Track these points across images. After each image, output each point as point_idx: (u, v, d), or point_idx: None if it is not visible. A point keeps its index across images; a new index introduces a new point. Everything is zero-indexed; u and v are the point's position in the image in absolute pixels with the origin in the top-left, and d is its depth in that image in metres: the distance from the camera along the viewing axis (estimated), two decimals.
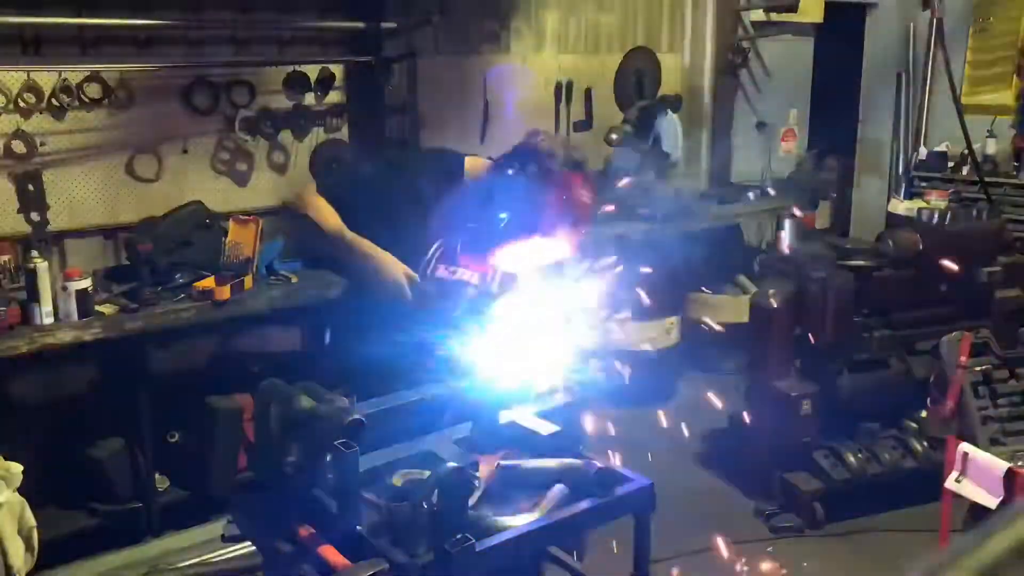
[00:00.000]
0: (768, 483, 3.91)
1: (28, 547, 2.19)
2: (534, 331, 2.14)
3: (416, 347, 2.37)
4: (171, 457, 3.74)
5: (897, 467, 3.83)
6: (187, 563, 2.52)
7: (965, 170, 6.27)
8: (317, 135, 4.35)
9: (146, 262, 3.47)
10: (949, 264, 3.80)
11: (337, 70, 4.33)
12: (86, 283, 3.26)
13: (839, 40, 6.81)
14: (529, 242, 2.38)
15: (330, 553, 1.70)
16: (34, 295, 3.17)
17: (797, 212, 5.68)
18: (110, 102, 3.71)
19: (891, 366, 4.00)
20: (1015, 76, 6.39)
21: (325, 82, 4.28)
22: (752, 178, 6.16)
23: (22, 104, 3.52)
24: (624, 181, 4.81)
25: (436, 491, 1.60)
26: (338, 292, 3.79)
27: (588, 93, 5.39)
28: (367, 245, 2.56)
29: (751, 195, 5.83)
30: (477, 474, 1.84)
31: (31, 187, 3.56)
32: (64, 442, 3.62)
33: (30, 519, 2.22)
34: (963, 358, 3.70)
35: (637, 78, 5.53)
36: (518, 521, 1.78)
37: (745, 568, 2.69)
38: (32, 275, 3.17)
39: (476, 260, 2.52)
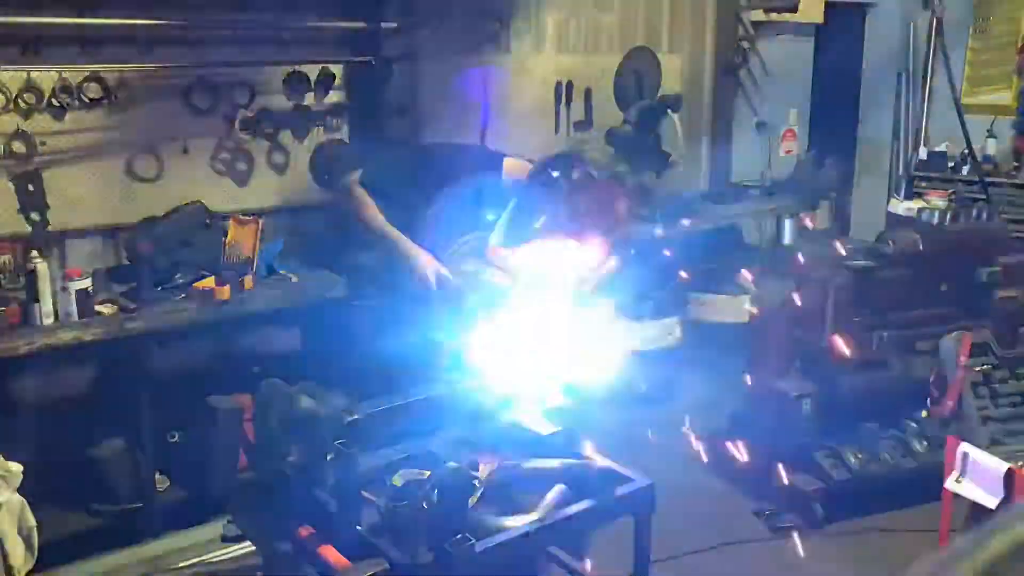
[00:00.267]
0: (768, 483, 3.91)
1: (28, 547, 2.19)
2: (548, 332, 2.15)
3: (431, 344, 2.41)
4: (171, 457, 3.74)
5: (897, 467, 3.83)
6: (187, 563, 2.52)
7: (965, 170, 6.28)
8: (317, 135, 4.35)
9: (146, 262, 3.47)
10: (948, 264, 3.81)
11: (337, 70, 4.33)
12: (86, 283, 3.26)
13: (839, 40, 6.81)
14: (561, 244, 2.40)
15: (330, 553, 1.70)
16: (34, 295, 3.17)
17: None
18: (110, 102, 3.71)
19: (891, 366, 4.00)
20: (1015, 76, 6.39)
21: (325, 82, 4.28)
22: (752, 178, 6.16)
23: (22, 104, 3.51)
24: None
25: (436, 491, 1.60)
26: (342, 291, 3.80)
27: (588, 93, 5.38)
28: (398, 236, 2.64)
29: (751, 195, 5.83)
30: (477, 474, 1.84)
31: (31, 187, 3.56)
32: (64, 442, 3.62)
33: (30, 519, 2.21)
34: (963, 358, 3.70)
35: (637, 78, 5.52)
36: (518, 521, 1.78)
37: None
38: (32, 275, 3.17)
39: (506, 257, 2.55)
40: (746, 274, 5.39)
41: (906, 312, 4.04)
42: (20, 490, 2.21)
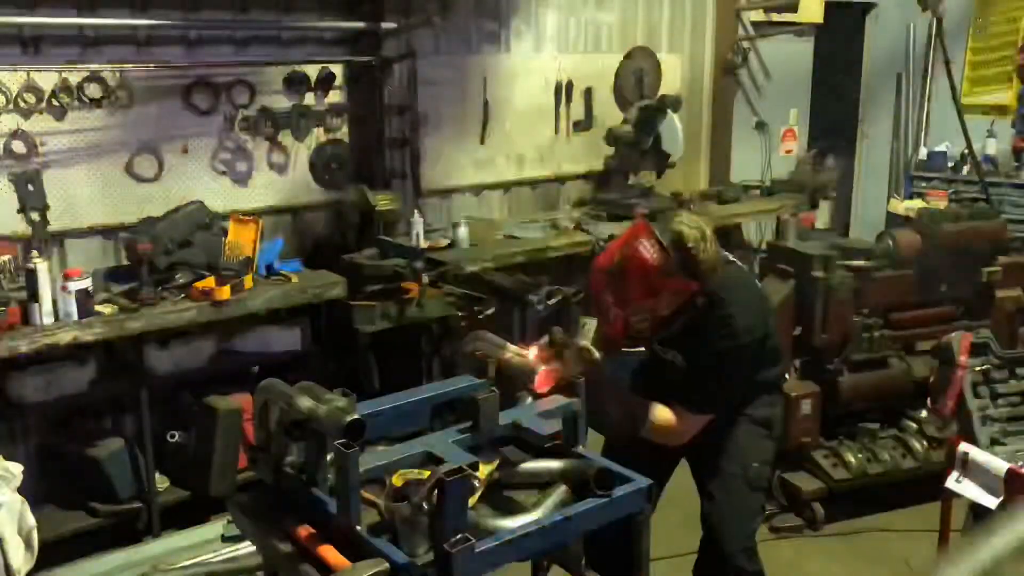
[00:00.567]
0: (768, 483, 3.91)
1: (28, 547, 2.18)
2: None
3: None
4: (171, 457, 3.74)
5: (897, 467, 3.83)
6: (187, 563, 2.52)
7: (965, 170, 6.28)
8: (317, 135, 4.35)
9: (146, 262, 3.47)
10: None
11: (337, 70, 4.33)
12: (86, 283, 3.26)
13: (839, 40, 6.81)
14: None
15: (330, 553, 1.70)
16: (34, 295, 3.17)
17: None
18: (110, 102, 3.71)
19: (891, 366, 4.00)
20: (1015, 76, 6.39)
21: (325, 82, 4.29)
22: (752, 178, 6.16)
23: (22, 104, 3.52)
24: None
25: (436, 491, 1.60)
26: (342, 291, 3.80)
27: (588, 93, 5.38)
28: None
29: (751, 195, 5.83)
30: (477, 474, 1.84)
31: (31, 187, 3.56)
32: (64, 442, 3.62)
33: (30, 519, 2.21)
34: (963, 358, 3.70)
35: (637, 78, 5.53)
36: (518, 521, 1.78)
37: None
38: (32, 275, 3.17)
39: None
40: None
41: (906, 312, 4.04)
42: (20, 490, 2.21)
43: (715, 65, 5.98)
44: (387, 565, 1.62)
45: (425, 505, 1.64)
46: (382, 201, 4.17)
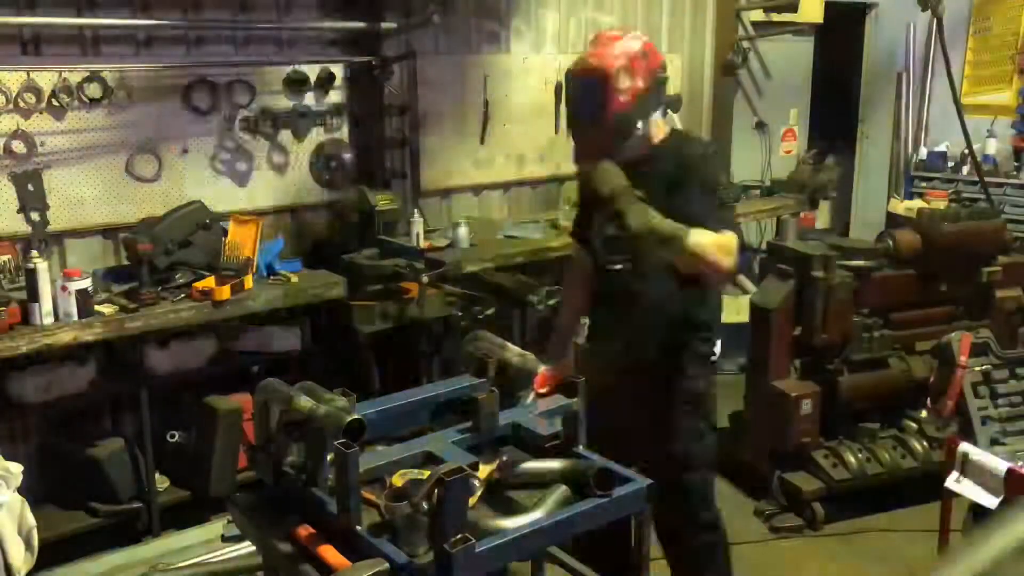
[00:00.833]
0: (768, 483, 3.91)
1: (28, 547, 2.19)
2: None
3: None
4: (171, 457, 3.73)
5: (897, 467, 3.83)
6: (187, 563, 2.52)
7: (965, 170, 6.28)
8: (317, 135, 4.35)
9: (146, 262, 3.47)
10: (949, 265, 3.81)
11: (337, 70, 4.33)
12: (86, 283, 3.26)
13: (839, 40, 6.81)
14: None
15: (330, 553, 1.70)
16: (34, 295, 3.17)
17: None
18: (110, 102, 3.71)
19: (891, 366, 4.00)
20: (1015, 76, 6.39)
21: (325, 82, 4.28)
22: (752, 178, 6.16)
23: (22, 104, 3.52)
24: None
25: (436, 491, 1.60)
26: (342, 291, 3.79)
27: None
28: None
29: (751, 195, 5.83)
30: (477, 474, 1.84)
31: (31, 187, 3.56)
32: (64, 442, 3.62)
33: (30, 519, 2.22)
34: (963, 358, 3.71)
35: None
36: (518, 521, 1.78)
37: None
38: (32, 275, 3.17)
39: None
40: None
41: (906, 312, 4.04)
42: (20, 490, 2.21)
43: (715, 65, 5.98)
44: (387, 565, 1.62)
45: (425, 505, 1.64)
46: (382, 201, 4.17)
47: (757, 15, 6.12)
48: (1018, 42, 6.38)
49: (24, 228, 3.57)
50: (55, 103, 3.58)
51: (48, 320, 3.19)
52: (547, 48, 5.20)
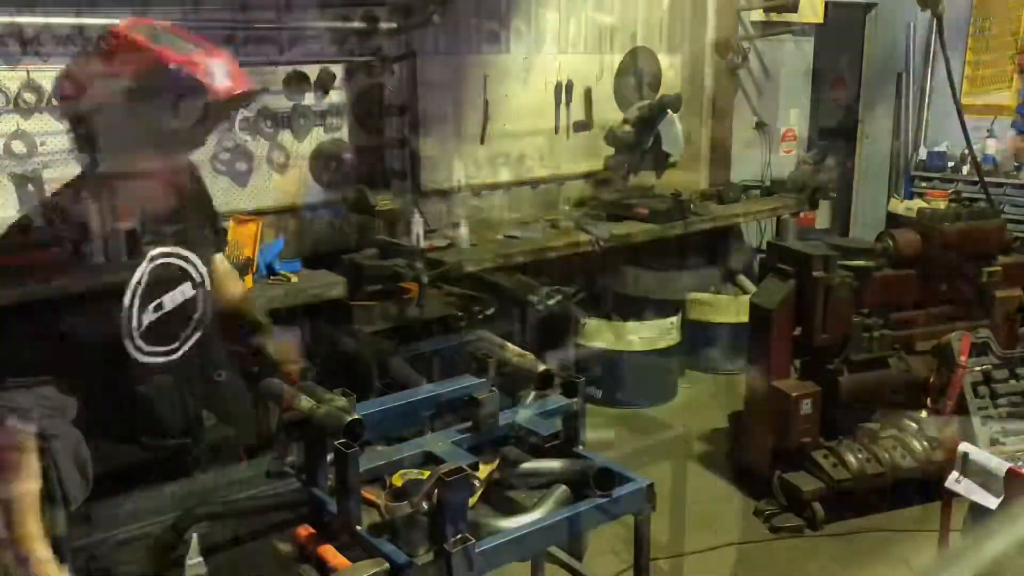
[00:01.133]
0: (768, 483, 3.91)
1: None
2: None
3: None
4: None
5: (897, 467, 3.83)
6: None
7: (965, 170, 6.28)
8: (317, 135, 4.35)
9: None
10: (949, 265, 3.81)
11: (337, 70, 4.33)
12: None
13: (839, 40, 6.81)
14: None
15: (330, 553, 1.70)
16: None
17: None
18: None
19: (891, 366, 4.00)
20: (1015, 76, 6.40)
21: (325, 82, 4.28)
22: (752, 178, 6.16)
23: (22, 104, 3.51)
24: None
25: (436, 491, 1.60)
26: (342, 291, 3.79)
27: (588, 93, 5.38)
28: None
29: (751, 195, 5.83)
30: (477, 474, 1.84)
31: (31, 187, 3.56)
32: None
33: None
34: (963, 358, 3.71)
35: (637, 78, 5.53)
36: (518, 521, 1.78)
37: None
38: None
39: None
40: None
41: (906, 312, 4.04)
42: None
43: (715, 65, 5.98)
44: (387, 565, 1.62)
45: (425, 505, 1.64)
46: (382, 201, 4.17)
47: (757, 15, 6.12)
48: (1018, 42, 6.38)
49: None
50: (55, 103, 3.57)
51: None
52: (547, 48, 5.20)
